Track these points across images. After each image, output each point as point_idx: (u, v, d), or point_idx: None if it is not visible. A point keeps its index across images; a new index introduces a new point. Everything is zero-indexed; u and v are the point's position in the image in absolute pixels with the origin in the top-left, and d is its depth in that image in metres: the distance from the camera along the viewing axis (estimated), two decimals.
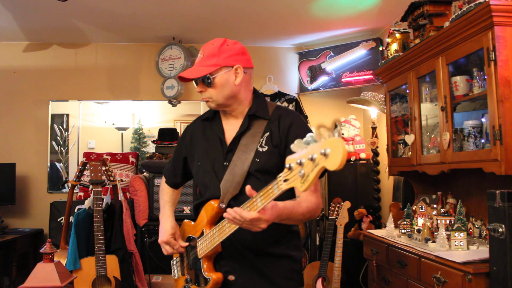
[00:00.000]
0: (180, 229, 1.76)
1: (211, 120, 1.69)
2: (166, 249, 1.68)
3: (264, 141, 1.56)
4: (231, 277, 1.56)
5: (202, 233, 1.59)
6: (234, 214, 1.29)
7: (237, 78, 1.57)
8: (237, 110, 1.62)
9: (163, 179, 1.88)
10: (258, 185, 1.33)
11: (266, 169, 1.52)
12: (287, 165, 1.11)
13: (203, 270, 1.56)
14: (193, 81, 1.62)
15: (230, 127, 1.64)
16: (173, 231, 1.69)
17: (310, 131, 1.60)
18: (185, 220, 1.77)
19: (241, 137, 1.58)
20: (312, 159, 1.02)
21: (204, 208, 1.60)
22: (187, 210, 3.75)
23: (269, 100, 4.48)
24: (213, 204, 1.56)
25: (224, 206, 1.53)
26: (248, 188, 1.29)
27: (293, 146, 1.09)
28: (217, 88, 1.56)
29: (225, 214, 1.34)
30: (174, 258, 1.80)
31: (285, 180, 1.13)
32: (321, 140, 1.02)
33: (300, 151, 1.08)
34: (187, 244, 1.68)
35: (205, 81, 1.56)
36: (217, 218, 1.56)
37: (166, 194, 1.84)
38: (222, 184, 1.55)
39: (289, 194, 1.47)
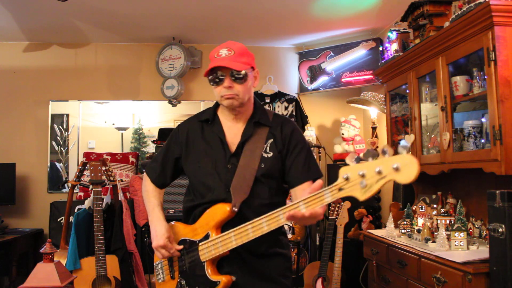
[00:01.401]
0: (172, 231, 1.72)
1: (211, 121, 1.68)
2: (162, 253, 1.63)
3: (268, 147, 1.61)
4: (233, 278, 1.56)
5: (206, 237, 1.56)
6: (302, 214, 1.28)
7: (256, 81, 1.65)
8: (244, 113, 1.65)
9: (147, 179, 1.79)
10: (263, 189, 1.37)
11: (271, 174, 1.57)
12: (344, 176, 1.18)
13: (208, 274, 1.54)
14: (209, 77, 1.58)
15: (231, 131, 1.65)
16: (168, 234, 1.65)
17: (305, 138, 1.70)
18: (174, 222, 1.72)
19: (245, 143, 1.61)
20: (379, 172, 1.11)
21: (212, 211, 1.58)
22: None
23: (268, 100, 4.52)
24: (224, 207, 1.54)
25: (236, 210, 1.53)
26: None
27: (347, 159, 1.19)
28: (246, 86, 1.58)
29: (287, 216, 1.29)
30: (160, 261, 1.74)
31: (340, 189, 1.20)
32: (384, 155, 1.11)
33: (356, 163, 1.17)
34: (181, 247, 1.64)
35: (240, 77, 1.55)
36: (226, 222, 1.55)
37: (153, 196, 1.76)
38: (233, 188, 1.55)
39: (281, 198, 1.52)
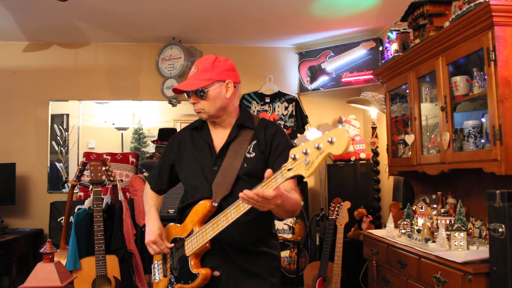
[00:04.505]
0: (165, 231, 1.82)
1: (200, 129, 1.81)
2: (153, 249, 1.74)
3: (251, 148, 1.70)
4: (216, 273, 1.63)
5: (191, 232, 1.65)
6: (252, 195, 1.33)
7: (228, 91, 1.70)
8: (226, 121, 1.75)
9: (148, 186, 1.95)
10: (245, 188, 1.43)
11: (253, 173, 1.65)
12: (292, 156, 1.24)
13: (191, 267, 1.62)
14: (185, 94, 1.72)
15: (218, 136, 1.76)
16: (160, 232, 1.76)
17: (289, 140, 1.79)
18: (170, 223, 1.82)
19: (230, 144, 1.71)
20: (318, 148, 1.17)
21: (195, 208, 1.67)
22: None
23: (268, 100, 4.52)
24: (205, 203, 1.64)
25: (216, 204, 1.63)
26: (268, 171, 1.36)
27: (296, 140, 1.24)
28: (209, 101, 1.68)
29: (241, 194, 1.36)
30: (156, 262, 1.85)
31: (289, 169, 1.26)
32: (325, 132, 1.18)
33: (303, 144, 1.22)
34: (172, 245, 1.74)
35: (199, 94, 1.67)
36: (208, 217, 1.63)
37: (151, 199, 1.91)
38: (214, 185, 1.66)
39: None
